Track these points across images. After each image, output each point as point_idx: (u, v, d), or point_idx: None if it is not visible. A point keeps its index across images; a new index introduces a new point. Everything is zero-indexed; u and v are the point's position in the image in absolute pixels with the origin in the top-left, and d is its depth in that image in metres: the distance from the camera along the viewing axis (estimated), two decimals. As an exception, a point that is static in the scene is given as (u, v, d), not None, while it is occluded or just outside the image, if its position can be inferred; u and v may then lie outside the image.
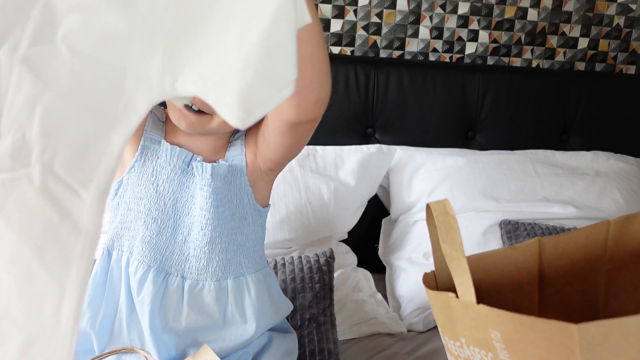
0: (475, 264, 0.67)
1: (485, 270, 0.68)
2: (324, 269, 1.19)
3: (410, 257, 1.41)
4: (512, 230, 1.39)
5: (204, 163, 0.85)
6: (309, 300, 1.13)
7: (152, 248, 0.85)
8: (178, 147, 0.85)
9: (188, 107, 0.80)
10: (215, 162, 0.86)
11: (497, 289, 0.69)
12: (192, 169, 0.85)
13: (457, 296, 0.58)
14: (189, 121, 0.81)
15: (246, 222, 0.89)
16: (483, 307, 0.55)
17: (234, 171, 0.87)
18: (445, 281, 0.67)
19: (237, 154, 0.89)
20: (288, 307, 0.98)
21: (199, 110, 0.80)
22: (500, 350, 0.56)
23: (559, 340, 0.50)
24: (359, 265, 1.45)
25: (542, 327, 0.51)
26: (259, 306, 0.89)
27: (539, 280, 0.71)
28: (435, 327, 1.26)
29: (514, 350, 0.54)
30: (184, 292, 0.86)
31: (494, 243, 1.39)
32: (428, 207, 0.62)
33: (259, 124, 0.86)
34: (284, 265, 1.19)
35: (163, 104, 0.96)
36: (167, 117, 0.90)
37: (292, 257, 1.22)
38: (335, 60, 1.56)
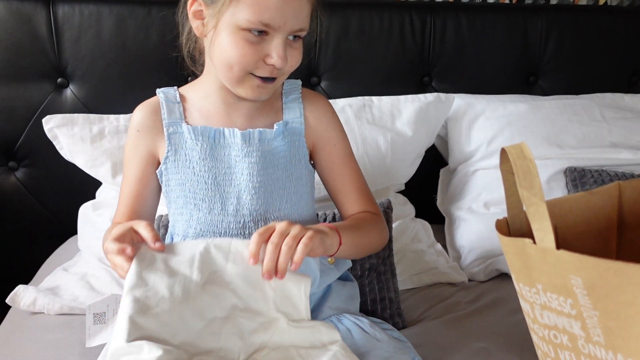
0: (551, 209, 0.64)
1: (561, 216, 0.65)
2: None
3: (470, 207, 1.38)
4: (577, 177, 1.33)
5: (251, 130, 0.87)
6: (369, 250, 1.13)
7: (209, 225, 0.88)
8: (199, 126, 0.88)
9: (266, 80, 0.82)
10: (254, 126, 0.89)
11: (573, 235, 0.67)
12: (221, 141, 0.87)
13: (534, 242, 0.56)
14: (268, 90, 0.84)
15: (301, 182, 0.92)
16: (563, 253, 0.53)
17: (292, 133, 0.90)
18: (518, 227, 0.65)
19: (295, 117, 0.91)
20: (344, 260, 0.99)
21: (272, 78, 0.82)
22: (580, 296, 0.54)
23: (648, 286, 0.48)
24: (416, 216, 1.44)
25: (630, 272, 0.49)
26: (318, 259, 0.90)
27: (618, 226, 0.68)
28: (497, 276, 1.24)
29: (596, 295, 0.53)
30: None
31: (558, 191, 1.34)
32: (503, 151, 0.60)
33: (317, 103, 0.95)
34: (343, 216, 1.19)
35: (175, 83, 0.97)
36: (183, 98, 0.92)
37: (351, 208, 1.22)
38: (388, 6, 1.50)
